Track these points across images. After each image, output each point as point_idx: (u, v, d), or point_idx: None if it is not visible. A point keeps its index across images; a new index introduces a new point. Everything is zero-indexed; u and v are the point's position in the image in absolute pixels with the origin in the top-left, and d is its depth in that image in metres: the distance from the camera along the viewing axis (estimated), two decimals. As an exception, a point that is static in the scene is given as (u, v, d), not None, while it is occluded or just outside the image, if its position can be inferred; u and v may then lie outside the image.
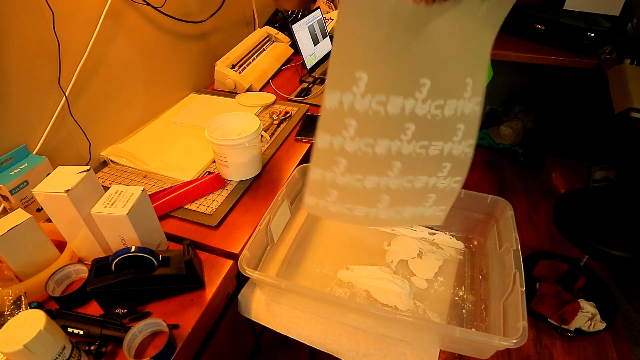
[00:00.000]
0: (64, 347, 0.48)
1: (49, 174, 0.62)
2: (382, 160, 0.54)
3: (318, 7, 1.45)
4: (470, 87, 0.50)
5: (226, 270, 0.68)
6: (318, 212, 0.60)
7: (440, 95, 0.49)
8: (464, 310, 0.70)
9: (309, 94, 1.22)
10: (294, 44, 1.38)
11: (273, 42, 1.41)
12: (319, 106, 1.16)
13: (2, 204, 0.75)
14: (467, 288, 0.73)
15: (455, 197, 0.60)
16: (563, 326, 1.43)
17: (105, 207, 0.60)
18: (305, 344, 0.67)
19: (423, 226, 0.85)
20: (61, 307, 0.60)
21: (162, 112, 1.14)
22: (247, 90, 1.22)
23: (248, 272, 0.61)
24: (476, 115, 0.52)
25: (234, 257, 0.71)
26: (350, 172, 0.54)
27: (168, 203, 0.80)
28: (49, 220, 0.67)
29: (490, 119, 2.41)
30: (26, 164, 0.75)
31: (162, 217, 0.78)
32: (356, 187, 0.56)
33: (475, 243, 0.81)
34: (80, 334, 0.56)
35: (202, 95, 1.23)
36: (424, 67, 0.48)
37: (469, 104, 0.51)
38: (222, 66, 1.21)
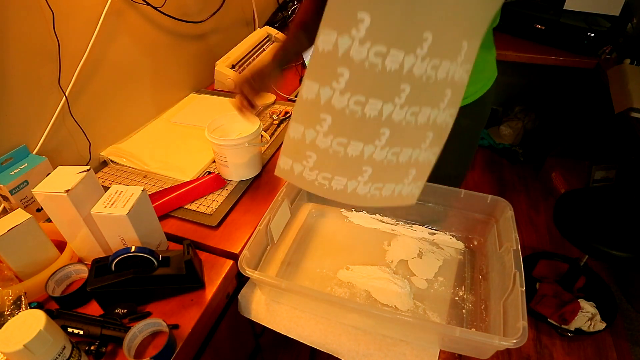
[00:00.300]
0: (64, 347, 0.48)
1: (49, 174, 0.62)
2: (370, 125, 0.48)
3: (318, 7, 1.44)
4: (465, 51, 0.47)
5: (226, 270, 0.68)
6: (292, 179, 0.53)
7: (438, 54, 0.45)
8: (464, 310, 0.70)
9: (309, 94, 1.21)
10: (294, 44, 1.38)
11: (273, 42, 1.41)
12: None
13: (2, 204, 0.75)
14: (467, 288, 0.73)
15: (430, 170, 0.56)
16: (563, 326, 1.43)
17: (105, 207, 0.60)
18: (305, 344, 0.67)
19: (423, 226, 0.85)
20: (61, 307, 0.60)
21: (162, 112, 1.14)
22: (247, 90, 1.22)
23: (248, 272, 0.61)
24: (463, 83, 0.49)
25: (234, 257, 0.71)
26: (333, 134, 0.48)
27: (168, 203, 0.80)
28: (49, 220, 0.67)
29: (490, 119, 2.41)
30: (26, 164, 0.75)
31: (162, 217, 0.78)
32: (338, 153, 0.50)
33: (475, 243, 0.81)
34: (80, 334, 0.56)
35: (202, 95, 1.23)
36: (429, 20, 0.44)
37: (460, 70, 0.48)
38: (222, 66, 1.21)
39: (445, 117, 0.51)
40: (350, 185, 0.53)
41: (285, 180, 0.84)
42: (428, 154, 0.53)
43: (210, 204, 0.81)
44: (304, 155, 0.50)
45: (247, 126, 0.86)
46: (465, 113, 0.83)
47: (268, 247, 0.74)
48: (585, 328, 1.42)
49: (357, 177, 0.52)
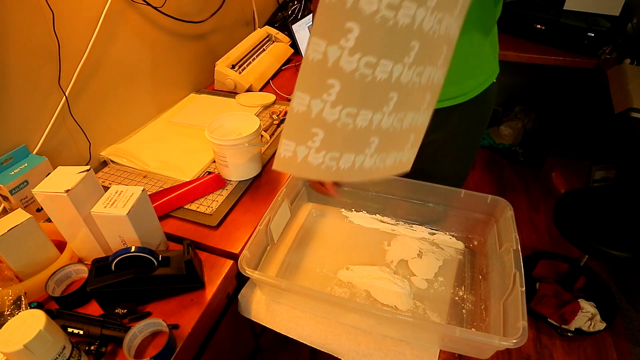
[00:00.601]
0: (64, 347, 0.48)
1: (49, 174, 0.62)
2: (380, 89, 0.44)
3: (318, 7, 1.45)
4: (460, 4, 0.44)
5: (226, 270, 0.68)
6: (294, 168, 0.47)
7: (443, 6, 0.42)
8: (464, 310, 0.70)
9: (309, 94, 1.21)
10: (294, 44, 1.38)
11: (273, 42, 1.41)
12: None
13: (2, 204, 0.75)
14: (467, 288, 0.73)
15: (424, 134, 0.53)
16: (563, 326, 1.43)
17: (105, 207, 0.60)
18: (305, 344, 0.67)
19: (423, 226, 0.85)
20: (61, 307, 0.60)
21: (162, 112, 1.14)
22: (247, 90, 1.22)
23: (248, 272, 0.61)
24: (455, 39, 0.47)
25: (234, 257, 0.71)
26: (342, 103, 0.43)
27: (168, 203, 0.80)
28: (49, 220, 0.67)
29: (490, 119, 2.41)
30: (26, 164, 0.75)
31: (162, 217, 0.78)
32: (347, 125, 0.45)
33: (475, 243, 0.81)
34: (80, 334, 0.56)
35: (202, 95, 1.23)
36: None
37: (454, 25, 0.45)
38: (222, 66, 1.21)
39: (439, 75, 0.49)
40: (358, 161, 0.49)
41: (285, 180, 0.84)
42: (425, 117, 0.51)
43: (210, 204, 0.81)
44: (310, 134, 0.45)
45: (247, 126, 0.86)
46: (467, 109, 0.83)
47: (268, 247, 0.74)
48: (585, 328, 1.42)
49: (365, 150, 0.49)
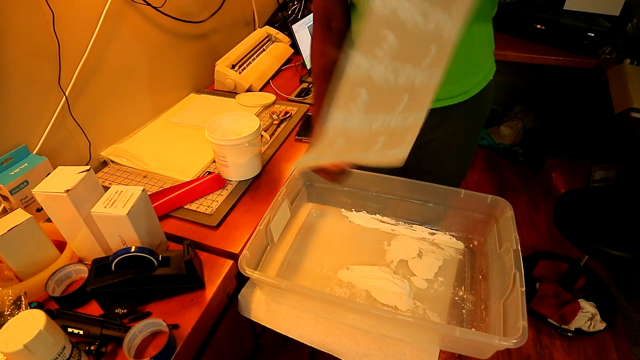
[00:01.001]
0: (64, 347, 0.48)
1: (49, 174, 0.62)
2: (397, 92, 0.46)
3: (318, 7, 1.44)
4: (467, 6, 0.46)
5: (226, 270, 0.68)
6: (311, 163, 0.51)
7: (462, 13, 0.44)
8: (464, 310, 0.70)
9: (309, 94, 1.22)
10: (294, 44, 1.38)
11: (273, 42, 1.41)
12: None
13: (2, 204, 0.75)
14: (467, 288, 0.73)
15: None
16: (563, 326, 1.43)
17: (105, 207, 0.60)
18: (305, 344, 0.67)
19: (423, 226, 0.85)
20: (61, 307, 0.60)
21: (162, 112, 1.14)
22: (247, 90, 1.22)
23: (248, 272, 0.61)
24: (455, 39, 0.48)
25: (234, 257, 0.71)
26: (365, 109, 0.45)
27: (168, 203, 0.80)
28: (49, 220, 0.67)
29: (490, 119, 2.41)
30: (26, 164, 0.75)
31: (162, 217, 0.78)
32: (364, 129, 0.47)
33: (475, 243, 0.81)
34: (80, 334, 0.56)
35: (202, 95, 1.24)
36: None
37: (460, 26, 0.47)
38: (222, 66, 1.21)
39: (440, 76, 0.50)
40: (363, 156, 0.53)
41: (285, 180, 0.84)
42: (424, 115, 0.53)
43: (210, 204, 0.81)
44: (331, 143, 0.48)
45: (247, 126, 0.86)
46: (467, 108, 0.83)
47: (268, 247, 0.74)
48: (585, 328, 1.42)
49: (372, 148, 0.51)
